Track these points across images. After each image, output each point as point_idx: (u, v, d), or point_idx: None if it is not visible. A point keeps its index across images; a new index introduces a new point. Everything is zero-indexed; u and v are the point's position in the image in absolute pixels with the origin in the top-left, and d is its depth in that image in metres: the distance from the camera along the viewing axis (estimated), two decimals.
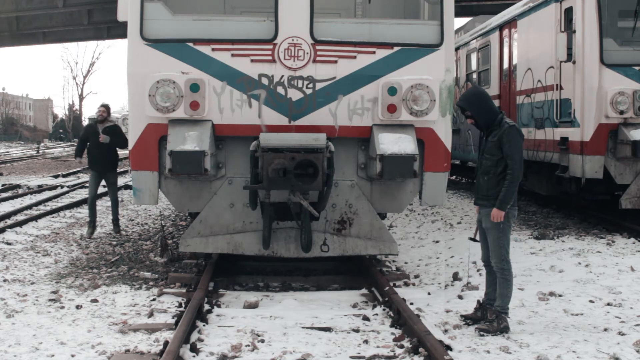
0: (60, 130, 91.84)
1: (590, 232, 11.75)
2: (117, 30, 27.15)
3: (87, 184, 14.37)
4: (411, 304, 7.23)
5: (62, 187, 21.45)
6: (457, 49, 18.33)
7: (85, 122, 64.89)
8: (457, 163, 21.27)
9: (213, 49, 7.97)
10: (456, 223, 12.93)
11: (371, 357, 5.84)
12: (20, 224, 12.92)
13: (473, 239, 7.11)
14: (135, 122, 8.09)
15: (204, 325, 6.63)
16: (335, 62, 8.02)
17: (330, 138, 7.87)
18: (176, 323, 6.48)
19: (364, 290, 8.19)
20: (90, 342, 6.17)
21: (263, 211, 7.91)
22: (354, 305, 7.61)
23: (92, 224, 11.96)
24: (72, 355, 5.86)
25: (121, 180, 23.68)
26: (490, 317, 6.53)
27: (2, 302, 7.54)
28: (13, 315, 7.02)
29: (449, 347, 5.91)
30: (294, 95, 8.00)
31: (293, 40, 7.95)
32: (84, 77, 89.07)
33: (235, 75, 7.96)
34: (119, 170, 13.55)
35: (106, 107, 12.40)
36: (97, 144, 11.86)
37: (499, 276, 6.55)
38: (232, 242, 8.16)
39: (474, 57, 17.92)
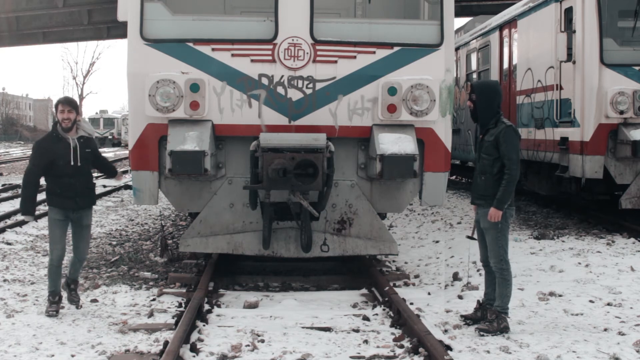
0: None
1: (590, 232, 11.74)
2: (117, 30, 27.15)
3: None
4: (411, 304, 7.23)
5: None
6: (457, 49, 18.33)
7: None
8: (457, 163, 21.28)
9: (213, 49, 7.97)
10: (456, 223, 12.93)
11: (371, 357, 5.84)
12: (20, 224, 12.92)
13: (471, 237, 7.11)
14: (135, 122, 8.09)
15: (204, 325, 6.63)
16: (335, 62, 8.02)
17: (330, 138, 7.86)
18: (176, 323, 6.48)
19: (364, 290, 8.19)
20: (90, 342, 6.17)
21: (263, 211, 7.91)
22: (354, 305, 7.61)
23: (57, 295, 7.28)
24: (72, 355, 5.86)
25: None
26: (490, 317, 6.53)
27: (2, 302, 7.54)
28: (13, 315, 7.02)
29: (449, 347, 5.91)
30: (294, 95, 8.00)
31: (293, 40, 7.95)
32: (84, 77, 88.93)
33: (235, 75, 7.96)
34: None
35: (71, 104, 7.38)
36: (71, 168, 7.21)
37: (498, 276, 6.55)
38: (232, 242, 8.16)
39: (474, 57, 17.92)
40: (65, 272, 7.55)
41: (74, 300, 7.47)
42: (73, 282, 7.58)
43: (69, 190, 7.21)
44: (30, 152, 7.31)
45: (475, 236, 6.97)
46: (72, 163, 7.19)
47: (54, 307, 7.14)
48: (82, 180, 7.31)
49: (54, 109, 7.61)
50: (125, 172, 25.28)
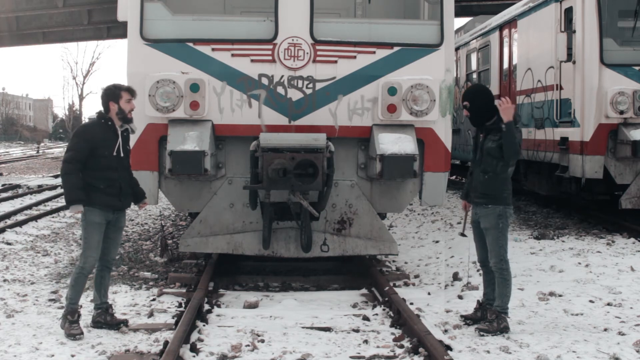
0: (60, 130, 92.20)
1: (590, 232, 11.75)
2: (117, 30, 27.14)
3: None
4: (411, 304, 7.23)
5: (62, 187, 21.43)
6: (457, 49, 18.33)
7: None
8: (457, 163, 21.28)
9: (213, 49, 7.97)
10: (456, 223, 12.93)
11: (371, 357, 5.84)
12: (20, 224, 12.92)
13: (462, 234, 7.13)
14: (135, 122, 8.08)
15: (204, 325, 6.63)
16: (335, 62, 8.03)
17: (330, 138, 7.87)
18: (176, 323, 6.48)
19: (364, 290, 8.19)
20: (90, 342, 6.16)
21: (263, 211, 7.91)
22: (354, 305, 7.61)
23: (77, 313, 6.46)
24: (72, 355, 5.86)
25: None
26: (490, 317, 6.53)
27: (2, 302, 7.54)
28: (13, 315, 7.01)
29: (449, 347, 5.91)
30: (294, 95, 8.01)
31: (293, 40, 7.96)
32: (84, 77, 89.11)
33: (235, 75, 7.96)
34: None
35: (135, 93, 6.73)
36: (115, 160, 6.52)
37: (497, 276, 6.55)
38: (232, 242, 8.17)
39: (474, 57, 17.92)
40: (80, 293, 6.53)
41: (123, 322, 6.62)
42: (110, 306, 6.71)
43: (113, 187, 6.45)
44: (71, 139, 6.55)
45: (466, 233, 6.97)
46: (115, 154, 6.46)
47: (77, 329, 6.29)
48: (125, 177, 6.63)
49: (104, 97, 6.59)
50: None
